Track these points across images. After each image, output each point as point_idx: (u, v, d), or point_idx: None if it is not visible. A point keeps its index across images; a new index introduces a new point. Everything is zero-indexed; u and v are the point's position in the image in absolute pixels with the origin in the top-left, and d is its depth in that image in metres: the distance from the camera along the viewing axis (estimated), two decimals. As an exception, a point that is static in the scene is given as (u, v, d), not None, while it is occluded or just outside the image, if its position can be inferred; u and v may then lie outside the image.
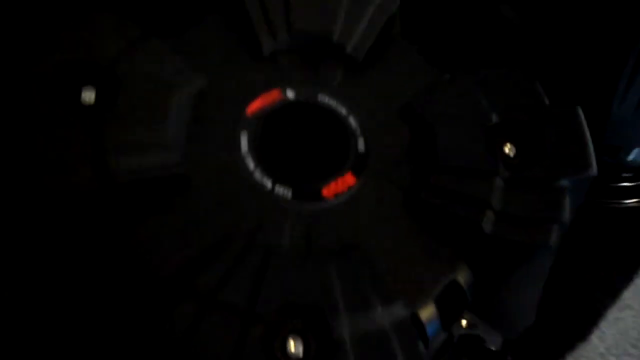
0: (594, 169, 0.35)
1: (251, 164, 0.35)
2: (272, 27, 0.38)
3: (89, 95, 0.33)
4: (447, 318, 0.34)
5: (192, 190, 0.33)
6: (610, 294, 0.60)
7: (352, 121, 0.38)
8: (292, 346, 0.29)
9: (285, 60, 0.39)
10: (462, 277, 0.35)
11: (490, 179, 0.35)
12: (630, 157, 0.54)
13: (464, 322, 0.38)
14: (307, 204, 0.34)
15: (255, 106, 0.37)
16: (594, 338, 0.60)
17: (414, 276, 0.33)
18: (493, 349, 0.41)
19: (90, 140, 0.32)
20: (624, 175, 0.58)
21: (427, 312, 0.33)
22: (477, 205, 0.34)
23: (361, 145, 0.37)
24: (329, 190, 0.35)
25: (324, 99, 0.38)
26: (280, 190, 0.34)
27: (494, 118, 0.37)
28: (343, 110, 0.38)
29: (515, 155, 0.36)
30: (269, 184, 0.35)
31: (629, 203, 0.59)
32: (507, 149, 0.36)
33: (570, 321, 0.60)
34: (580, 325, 0.61)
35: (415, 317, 0.32)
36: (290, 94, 0.38)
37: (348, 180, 0.36)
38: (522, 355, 0.46)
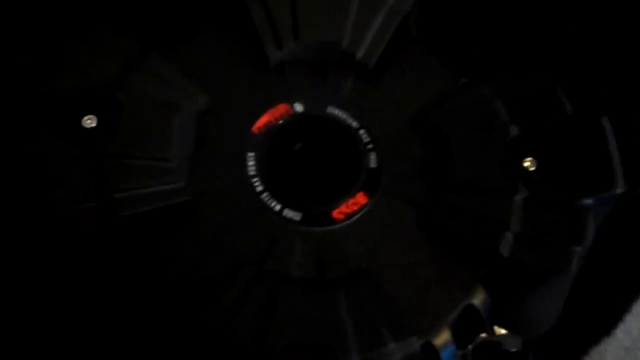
0: (620, 186, 0.33)
1: (259, 187, 0.34)
2: (278, 37, 0.36)
3: (89, 124, 0.31)
4: (463, 341, 0.34)
5: (198, 217, 0.32)
6: (635, 287, 0.59)
7: (363, 135, 0.36)
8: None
9: (292, 72, 0.37)
10: (479, 300, 0.33)
11: (509, 198, 0.33)
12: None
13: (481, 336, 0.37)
14: (317, 228, 0.33)
15: (261, 123, 0.35)
16: (619, 332, 0.58)
17: (428, 302, 0.32)
18: (513, 350, 0.40)
19: (92, 171, 0.31)
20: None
21: (442, 339, 0.32)
22: (494, 226, 0.33)
23: (373, 161, 0.36)
24: (340, 211, 0.34)
25: (333, 111, 0.37)
26: (289, 213, 0.33)
27: (514, 130, 0.35)
28: (353, 123, 0.36)
29: (535, 171, 0.34)
30: (277, 207, 0.33)
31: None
32: (527, 163, 0.34)
33: (594, 315, 0.59)
34: (605, 320, 0.59)
35: (428, 346, 0.32)
36: (298, 107, 0.36)
37: (359, 199, 0.34)
38: (545, 351, 0.45)
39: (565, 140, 0.34)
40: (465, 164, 0.34)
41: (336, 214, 0.34)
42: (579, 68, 0.39)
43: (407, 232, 0.34)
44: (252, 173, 0.34)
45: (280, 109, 0.36)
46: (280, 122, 0.35)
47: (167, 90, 0.33)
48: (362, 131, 0.36)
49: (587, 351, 0.59)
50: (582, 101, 0.36)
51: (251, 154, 0.34)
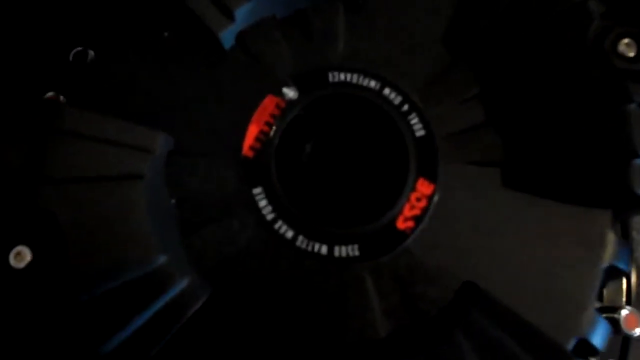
0: None
1: (284, 230, 0.24)
2: (223, 4, 0.24)
3: (19, 262, 0.21)
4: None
5: (217, 302, 0.23)
6: None
7: (390, 94, 0.25)
8: None
9: (257, 43, 0.25)
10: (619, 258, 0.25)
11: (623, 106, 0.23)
12: None
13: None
14: (384, 257, 0.24)
15: (251, 139, 0.25)
16: None
17: (560, 296, 0.24)
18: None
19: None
20: None
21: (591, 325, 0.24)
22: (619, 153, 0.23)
23: (417, 126, 0.25)
24: (405, 217, 0.24)
25: (337, 77, 0.26)
26: (338, 250, 0.24)
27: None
28: (371, 83, 0.26)
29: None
30: (321, 248, 0.24)
31: None
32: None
33: None
34: None
35: (584, 343, 0.24)
36: (289, 92, 0.25)
37: (423, 189, 0.25)
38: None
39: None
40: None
41: (401, 223, 0.24)
42: None
43: (501, 204, 0.25)
44: (270, 217, 0.24)
45: (267, 106, 0.25)
46: (274, 127, 0.25)
47: (109, 158, 0.22)
48: (386, 90, 0.25)
49: None
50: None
51: (257, 190, 0.24)
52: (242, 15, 0.25)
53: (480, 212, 0.25)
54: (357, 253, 0.24)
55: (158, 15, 0.25)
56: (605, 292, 0.25)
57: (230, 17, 0.25)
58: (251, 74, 0.25)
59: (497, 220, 0.24)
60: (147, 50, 0.25)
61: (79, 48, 0.25)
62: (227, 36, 0.25)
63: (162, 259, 0.21)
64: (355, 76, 0.25)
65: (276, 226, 0.24)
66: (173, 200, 0.23)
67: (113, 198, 0.22)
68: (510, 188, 0.25)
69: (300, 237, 0.24)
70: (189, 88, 0.25)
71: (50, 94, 0.24)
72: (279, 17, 0.26)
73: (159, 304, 0.21)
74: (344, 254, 0.24)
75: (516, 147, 0.25)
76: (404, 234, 0.24)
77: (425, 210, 0.24)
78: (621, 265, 0.24)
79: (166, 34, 0.25)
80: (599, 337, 0.24)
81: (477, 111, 0.26)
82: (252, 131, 0.25)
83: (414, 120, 0.25)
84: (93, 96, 0.25)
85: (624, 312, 0.24)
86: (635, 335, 0.25)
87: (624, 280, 0.25)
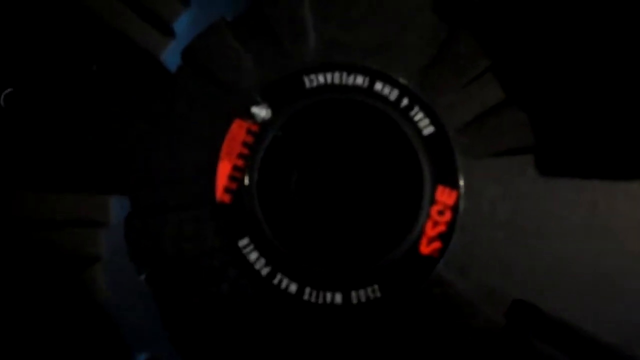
0: None
1: (287, 284, 0.19)
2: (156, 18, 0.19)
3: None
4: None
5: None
6: None
7: (382, 88, 0.21)
8: None
9: (210, 57, 0.20)
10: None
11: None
12: None
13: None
14: (411, 293, 0.19)
15: (224, 177, 0.20)
16: None
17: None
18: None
19: None
20: None
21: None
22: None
23: (423, 123, 0.20)
24: (428, 238, 0.20)
25: (313, 79, 0.21)
26: (357, 296, 0.19)
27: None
28: (357, 80, 0.21)
29: None
30: (336, 298, 0.19)
31: None
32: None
33: None
34: None
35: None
36: (259, 111, 0.20)
37: (444, 199, 0.20)
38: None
39: None
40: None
41: (425, 247, 0.20)
42: None
43: (542, 197, 0.20)
44: (265, 271, 0.19)
45: (235, 134, 0.20)
46: (250, 159, 0.20)
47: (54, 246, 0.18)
48: (377, 85, 0.21)
49: None
50: None
51: (244, 242, 0.19)
52: (183, 26, 0.20)
53: (518, 213, 0.20)
54: (378, 294, 0.19)
55: (81, 45, 0.20)
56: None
57: (169, 33, 0.20)
58: (209, 97, 0.20)
59: (541, 219, 0.20)
60: (73, 89, 0.20)
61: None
62: (171, 56, 0.20)
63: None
64: (336, 75, 0.21)
65: (275, 281, 0.19)
66: (143, 276, 0.19)
67: (68, 294, 0.17)
68: (550, 175, 0.20)
69: (308, 289, 0.19)
70: (134, 129, 0.20)
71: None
72: (230, 19, 0.21)
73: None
74: (363, 298, 0.19)
75: (549, 123, 0.20)
76: (431, 259, 0.19)
77: (451, 225, 0.20)
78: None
79: (94, 66, 0.20)
80: None
81: (493, 89, 0.21)
82: (224, 169, 0.20)
83: (418, 115, 0.20)
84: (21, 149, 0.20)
85: None
86: None
87: None
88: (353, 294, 0.19)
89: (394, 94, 0.20)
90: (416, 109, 0.20)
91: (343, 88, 0.20)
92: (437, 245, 0.20)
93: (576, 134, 0.20)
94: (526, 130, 0.20)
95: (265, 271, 0.19)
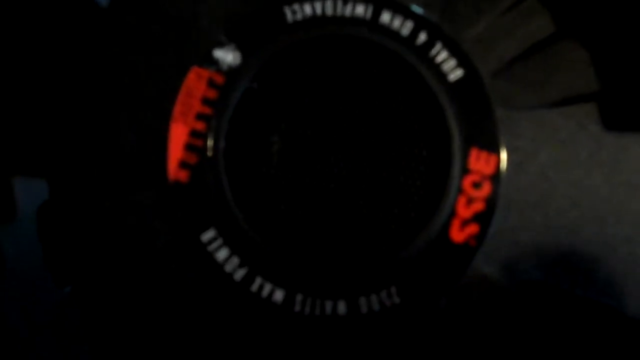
0: None
1: (270, 291, 0.14)
2: None
3: None
4: None
5: None
6: None
7: (391, 19, 0.15)
8: None
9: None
10: None
11: None
12: None
13: None
14: (440, 298, 0.14)
15: (179, 146, 0.14)
16: None
17: None
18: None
19: None
20: None
21: None
22: None
23: (447, 61, 0.15)
24: (461, 223, 0.14)
25: (296, 10, 0.15)
26: (367, 303, 0.14)
27: None
28: (355, 9, 0.15)
29: None
30: (338, 307, 0.14)
31: None
32: None
33: None
34: None
35: None
36: (226, 57, 0.15)
37: (480, 167, 0.15)
38: None
39: None
40: None
41: (457, 233, 0.14)
42: None
43: (612, 159, 0.15)
44: (239, 275, 0.14)
45: (192, 87, 0.15)
46: (213, 121, 0.14)
47: None
48: (384, 16, 0.15)
49: None
50: None
51: (209, 235, 0.14)
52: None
53: (578, 186, 0.15)
54: (396, 300, 0.14)
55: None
56: None
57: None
58: (154, 38, 0.15)
59: (608, 194, 0.15)
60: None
61: None
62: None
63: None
64: (329, 3, 0.15)
65: (254, 287, 0.14)
66: (66, 290, 0.13)
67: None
68: (620, 131, 0.15)
69: (299, 297, 0.14)
70: (51, 85, 0.14)
71: None
72: None
73: None
74: (375, 306, 0.14)
75: (617, 63, 0.15)
76: (466, 248, 0.14)
77: (491, 202, 0.14)
78: None
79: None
80: None
81: (539, 18, 0.15)
82: (178, 135, 0.14)
83: (442, 55, 0.15)
84: None
85: None
86: None
87: None
88: (361, 301, 0.14)
89: (407, 28, 0.15)
90: (438, 46, 0.15)
91: (337, 21, 0.15)
92: (473, 229, 0.14)
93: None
94: (587, 72, 0.15)
95: (239, 274, 0.14)
